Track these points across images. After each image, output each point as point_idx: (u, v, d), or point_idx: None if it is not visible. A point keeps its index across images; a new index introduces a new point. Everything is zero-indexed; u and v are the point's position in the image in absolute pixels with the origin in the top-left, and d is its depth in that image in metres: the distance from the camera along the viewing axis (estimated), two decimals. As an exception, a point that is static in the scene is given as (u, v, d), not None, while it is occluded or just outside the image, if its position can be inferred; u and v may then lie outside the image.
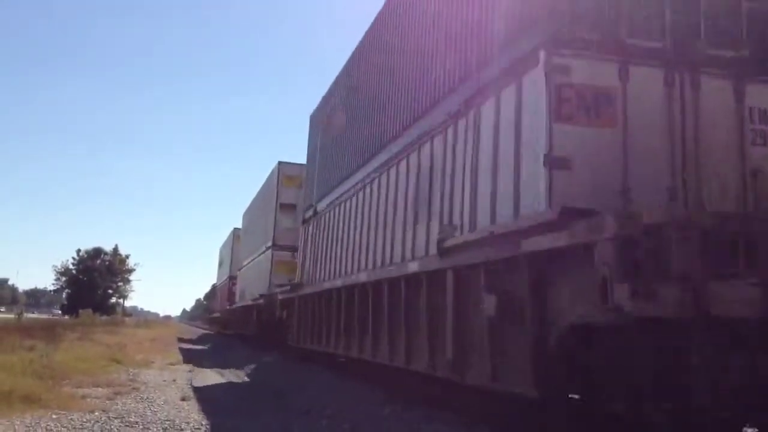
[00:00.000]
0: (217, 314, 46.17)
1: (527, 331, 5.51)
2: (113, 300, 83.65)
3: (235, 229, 39.32)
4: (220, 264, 48.55)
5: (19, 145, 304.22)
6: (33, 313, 71.22)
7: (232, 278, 36.80)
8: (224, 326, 40.29)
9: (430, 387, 8.44)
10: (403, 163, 9.15)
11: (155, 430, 6.71)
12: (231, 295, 35.57)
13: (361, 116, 12.26)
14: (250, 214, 31.41)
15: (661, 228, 4.38)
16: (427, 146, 8.30)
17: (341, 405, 8.44)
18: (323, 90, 17.18)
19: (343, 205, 12.26)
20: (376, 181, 10.31)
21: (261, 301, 21.45)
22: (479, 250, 6.40)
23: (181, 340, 32.87)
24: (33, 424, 6.56)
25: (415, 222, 8.36)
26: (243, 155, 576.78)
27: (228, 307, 35.74)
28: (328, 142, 14.83)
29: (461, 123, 7.25)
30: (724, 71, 5.73)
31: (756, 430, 5.66)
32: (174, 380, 11.86)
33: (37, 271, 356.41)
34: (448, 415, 7.24)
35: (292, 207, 21.05)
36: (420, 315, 7.85)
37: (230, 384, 12.49)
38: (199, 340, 34.52)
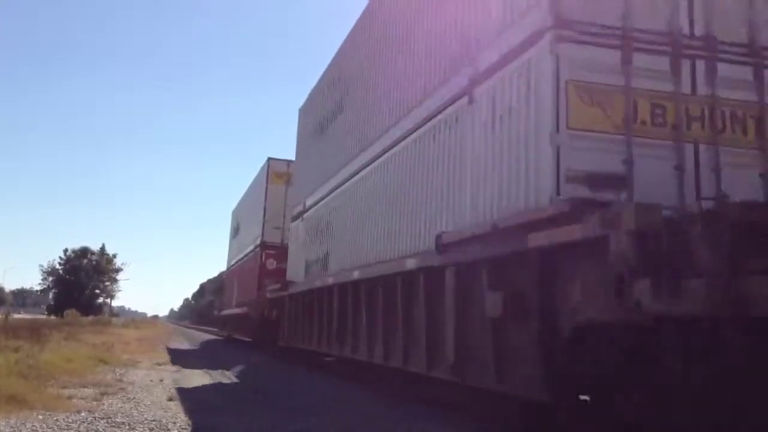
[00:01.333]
0: (234, 310, 29.35)
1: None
2: (100, 300, 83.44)
3: (270, 160, 24.66)
4: (235, 233, 34.28)
5: (7, 144, 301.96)
6: (20, 313, 70.69)
7: (267, 247, 23.33)
8: (256, 331, 22.76)
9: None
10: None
11: (142, 430, 6.62)
12: (265, 273, 22.37)
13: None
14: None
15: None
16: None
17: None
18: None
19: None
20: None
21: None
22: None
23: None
24: (18, 424, 6.45)
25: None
26: (233, 157, 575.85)
27: (269, 295, 19.24)
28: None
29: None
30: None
31: None
32: (161, 380, 11.75)
33: (23, 272, 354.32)
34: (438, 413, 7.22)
35: None
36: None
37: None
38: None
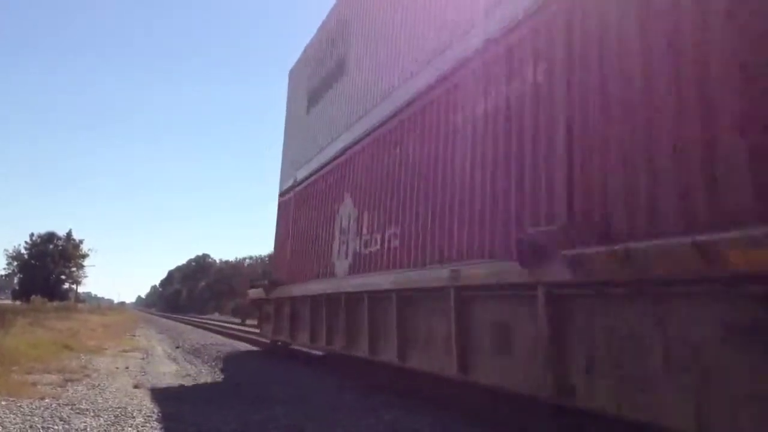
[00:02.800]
0: (331, 285, 11.11)
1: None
2: (66, 286, 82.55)
3: None
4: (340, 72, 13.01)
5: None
6: (-17, 297, 69.63)
7: None
8: None
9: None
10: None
11: (106, 417, 6.63)
12: None
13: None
14: None
15: None
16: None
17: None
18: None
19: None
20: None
21: None
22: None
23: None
24: (-20, 410, 6.45)
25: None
26: (202, 149, 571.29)
27: None
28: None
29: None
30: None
31: None
32: (127, 367, 11.74)
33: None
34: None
35: None
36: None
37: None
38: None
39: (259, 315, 18.27)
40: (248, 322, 28.99)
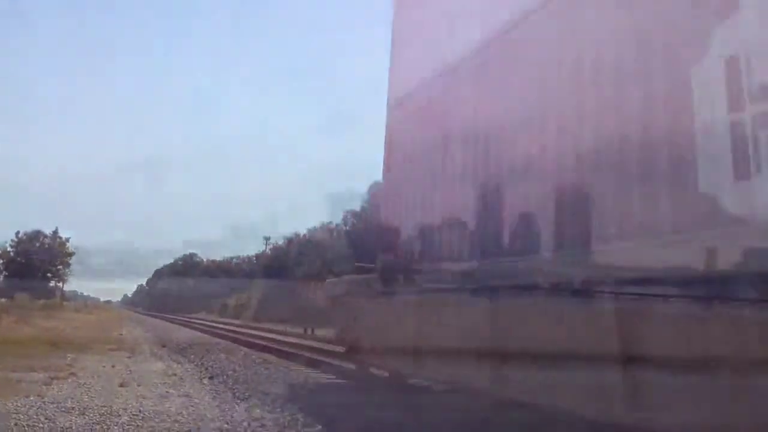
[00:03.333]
0: None
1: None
2: (52, 284, 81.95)
3: None
4: None
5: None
6: (-32, 295, 69.03)
7: None
8: None
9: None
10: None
11: (92, 415, 6.59)
12: None
13: None
14: None
15: None
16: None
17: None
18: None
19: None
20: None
21: None
22: None
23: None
24: (-36, 408, 6.39)
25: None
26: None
27: None
28: None
29: None
30: None
31: None
32: (113, 366, 11.67)
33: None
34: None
35: None
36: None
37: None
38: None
39: (341, 322, 10.28)
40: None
